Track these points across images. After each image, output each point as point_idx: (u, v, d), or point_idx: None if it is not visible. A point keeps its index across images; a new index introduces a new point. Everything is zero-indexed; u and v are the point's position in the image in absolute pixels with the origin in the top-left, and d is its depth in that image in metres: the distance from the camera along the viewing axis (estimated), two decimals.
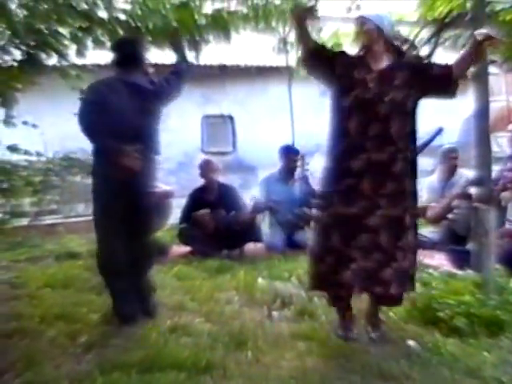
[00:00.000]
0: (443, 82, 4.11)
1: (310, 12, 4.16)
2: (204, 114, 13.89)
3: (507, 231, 5.88)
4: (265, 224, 7.90)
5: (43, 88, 7.02)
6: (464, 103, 12.76)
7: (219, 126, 14.17)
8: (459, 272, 5.32)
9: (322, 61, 4.25)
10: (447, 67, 4.09)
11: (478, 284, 4.48)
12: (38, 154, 6.40)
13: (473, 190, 5.11)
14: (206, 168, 7.75)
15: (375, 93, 4.02)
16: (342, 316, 4.32)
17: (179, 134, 12.92)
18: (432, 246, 7.03)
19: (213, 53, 11.60)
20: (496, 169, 6.25)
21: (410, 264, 4.10)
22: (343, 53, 4.35)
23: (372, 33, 4.08)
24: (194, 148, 13.30)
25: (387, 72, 4.09)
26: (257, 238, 7.58)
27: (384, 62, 4.12)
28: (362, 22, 4.14)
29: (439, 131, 7.33)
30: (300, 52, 4.45)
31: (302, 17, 4.13)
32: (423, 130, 7.54)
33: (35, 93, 7.10)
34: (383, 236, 3.99)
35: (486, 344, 3.90)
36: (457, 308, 4.19)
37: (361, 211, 4.01)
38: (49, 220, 9.05)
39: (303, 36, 4.21)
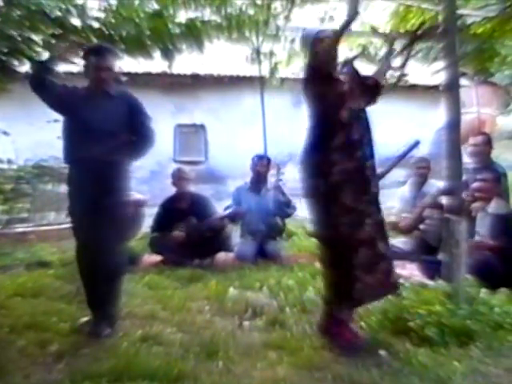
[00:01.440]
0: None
1: None
2: (176, 123, 13.88)
3: (477, 244, 5.93)
4: (236, 234, 7.88)
5: (15, 95, 6.98)
6: (435, 115, 12.96)
7: (191, 135, 14.18)
8: (430, 282, 5.36)
9: None
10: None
11: (449, 294, 4.51)
12: (9, 162, 6.34)
13: (444, 200, 5.15)
14: (178, 177, 7.73)
15: None
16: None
17: None
18: (403, 256, 7.06)
19: (185, 62, 11.63)
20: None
21: None
22: None
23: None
24: (166, 157, 13.28)
25: None
26: (228, 248, 7.57)
27: None
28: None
29: (416, 144, 7.35)
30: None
31: None
32: (395, 142, 7.65)
33: (6, 100, 7.06)
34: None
35: (456, 354, 3.93)
36: (427, 318, 4.22)
37: None
38: (19, 228, 8.95)
39: None
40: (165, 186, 8.09)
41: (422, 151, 8.54)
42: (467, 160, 7.02)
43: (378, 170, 7.39)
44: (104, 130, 4.47)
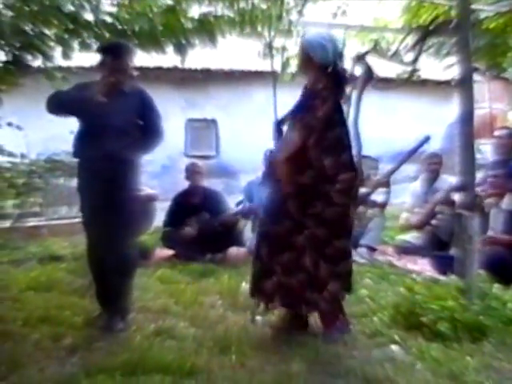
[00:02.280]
0: None
1: None
2: (187, 117, 13.89)
3: (490, 238, 5.92)
4: (248, 229, 7.89)
5: (27, 89, 7.00)
6: (446, 110, 12.94)
7: (202, 130, 14.17)
8: (442, 278, 5.36)
9: None
10: None
11: (461, 289, 4.49)
12: (23, 156, 6.37)
13: (456, 196, 5.14)
14: (192, 171, 7.75)
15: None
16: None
17: None
18: (415, 251, 7.08)
19: (196, 57, 11.63)
20: (478, 175, 6.30)
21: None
22: None
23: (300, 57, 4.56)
24: (177, 152, 13.28)
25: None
26: (240, 243, 7.58)
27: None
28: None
29: (426, 139, 7.35)
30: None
31: None
32: (406, 137, 7.64)
33: (19, 94, 7.09)
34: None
35: (468, 349, 3.91)
36: (440, 313, 4.21)
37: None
38: (32, 222, 8.99)
39: None
40: (176, 180, 8.13)
41: (433, 146, 8.53)
42: (478, 156, 7.00)
43: (390, 166, 7.43)
44: (116, 126, 4.48)
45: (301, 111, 4.32)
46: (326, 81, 4.33)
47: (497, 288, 4.68)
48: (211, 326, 4.56)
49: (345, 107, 4.73)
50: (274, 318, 4.71)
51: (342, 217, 4.34)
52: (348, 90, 7.02)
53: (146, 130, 4.72)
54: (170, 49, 6.21)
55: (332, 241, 4.29)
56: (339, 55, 4.46)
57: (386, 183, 7.41)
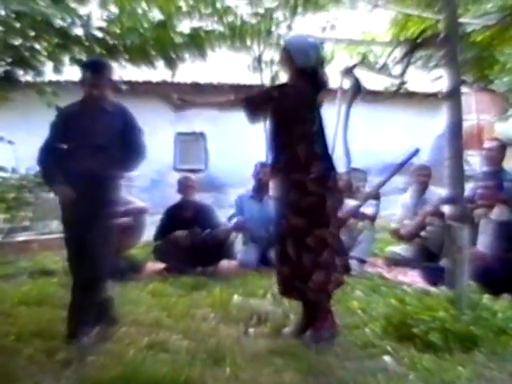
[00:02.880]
0: None
1: None
2: (176, 131, 13.91)
3: (478, 253, 5.97)
4: (239, 241, 7.91)
5: (17, 104, 7.01)
6: (434, 122, 13.01)
7: (191, 143, 14.19)
8: (432, 289, 5.40)
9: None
10: None
11: (452, 300, 4.53)
12: (13, 171, 6.37)
13: (445, 208, 5.18)
14: (185, 185, 7.77)
15: None
16: None
17: (151, 151, 12.79)
18: (405, 263, 7.12)
19: (185, 70, 11.66)
20: (467, 186, 6.36)
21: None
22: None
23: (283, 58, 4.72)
24: (166, 166, 13.31)
25: None
26: (231, 255, 7.60)
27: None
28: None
29: (415, 152, 7.43)
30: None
31: None
32: (394, 149, 7.70)
33: (7, 109, 7.09)
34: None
35: (460, 359, 3.93)
36: (431, 324, 4.24)
37: None
38: (22, 237, 8.96)
39: None
40: (165, 194, 8.15)
41: (421, 158, 8.59)
42: (466, 167, 7.06)
43: (378, 178, 7.48)
44: (97, 144, 4.53)
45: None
46: (304, 81, 4.49)
47: (487, 298, 4.73)
48: (204, 338, 4.55)
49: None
50: (267, 329, 4.73)
51: (318, 206, 4.44)
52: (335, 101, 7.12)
53: (128, 147, 4.73)
54: (159, 63, 6.25)
55: (312, 230, 4.41)
56: (320, 61, 4.65)
57: (375, 195, 7.46)
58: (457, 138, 4.87)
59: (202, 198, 8.68)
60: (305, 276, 4.39)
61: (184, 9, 5.80)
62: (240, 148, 12.60)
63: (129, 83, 7.46)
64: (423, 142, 12.75)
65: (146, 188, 12.31)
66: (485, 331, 4.22)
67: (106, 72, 4.72)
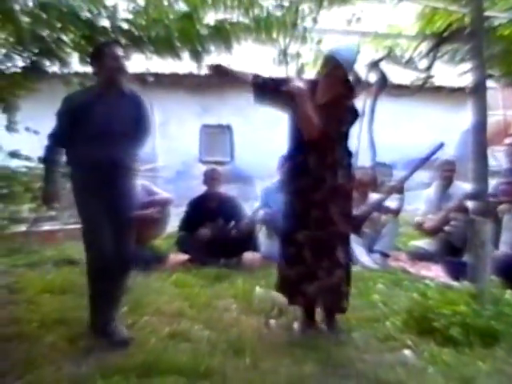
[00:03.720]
0: None
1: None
2: (202, 123, 13.94)
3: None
4: (263, 234, 7.92)
5: (43, 95, 7.07)
6: (461, 117, 12.91)
7: (217, 135, 14.19)
8: (455, 283, 5.37)
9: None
10: None
11: (474, 295, 4.51)
12: (40, 160, 6.42)
13: (469, 204, 5.15)
14: (211, 177, 7.78)
15: None
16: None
17: (178, 142, 12.97)
18: (429, 257, 7.08)
19: (212, 62, 11.65)
20: (493, 182, 6.32)
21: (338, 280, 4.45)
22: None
23: (339, 77, 4.45)
24: (192, 157, 13.33)
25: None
26: (255, 248, 7.61)
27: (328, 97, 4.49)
28: (333, 65, 4.42)
29: (440, 146, 7.37)
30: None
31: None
32: (421, 144, 7.66)
33: (36, 99, 7.15)
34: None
35: (480, 354, 3.92)
36: (452, 318, 4.23)
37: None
38: (47, 226, 9.03)
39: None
40: (191, 186, 8.15)
41: (447, 153, 8.52)
42: (493, 163, 7.00)
43: (403, 173, 7.45)
44: (117, 131, 4.41)
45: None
46: (347, 91, 4.53)
47: (509, 294, 4.69)
48: (225, 328, 4.59)
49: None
50: (287, 321, 4.76)
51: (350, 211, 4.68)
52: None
53: (138, 134, 4.65)
54: (185, 55, 6.25)
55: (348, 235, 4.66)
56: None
57: (399, 189, 7.41)
58: (481, 133, 4.84)
59: (227, 189, 8.69)
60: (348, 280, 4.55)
61: (209, 1, 5.77)
62: (266, 141, 12.58)
63: (155, 75, 7.48)
64: (450, 137, 12.65)
65: (172, 179, 12.36)
66: (506, 327, 4.20)
67: (122, 52, 4.54)
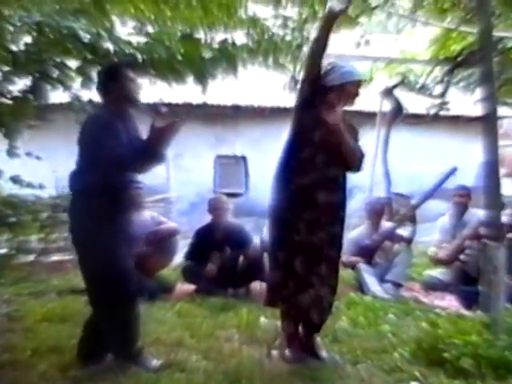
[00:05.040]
0: None
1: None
2: (217, 154, 13.89)
3: None
4: None
5: (55, 125, 7.02)
6: (479, 147, 12.72)
7: (232, 166, 14.16)
8: (467, 313, 5.18)
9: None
10: None
11: (487, 324, 4.32)
12: (41, 187, 6.30)
13: (484, 231, 4.97)
14: (214, 206, 7.62)
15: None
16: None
17: (192, 173, 12.93)
18: (443, 287, 6.88)
19: (226, 93, 11.63)
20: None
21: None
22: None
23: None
24: (206, 189, 13.25)
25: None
26: (262, 277, 7.41)
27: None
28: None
29: (453, 171, 7.23)
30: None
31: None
32: (438, 175, 7.48)
33: (47, 130, 7.10)
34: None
35: None
36: (463, 348, 4.04)
37: None
38: (56, 257, 8.94)
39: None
40: (205, 218, 7.98)
41: (464, 182, 8.30)
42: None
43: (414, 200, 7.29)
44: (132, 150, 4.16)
45: None
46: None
47: None
48: (224, 359, 4.43)
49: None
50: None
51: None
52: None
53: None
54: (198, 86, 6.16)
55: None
56: None
57: (411, 217, 7.26)
58: (493, 163, 4.65)
59: (242, 222, 8.53)
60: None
61: (209, 20, 5.65)
62: None
63: (169, 105, 7.40)
64: (468, 168, 12.47)
65: (186, 211, 12.27)
66: None
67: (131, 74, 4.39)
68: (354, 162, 4.33)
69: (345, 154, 4.27)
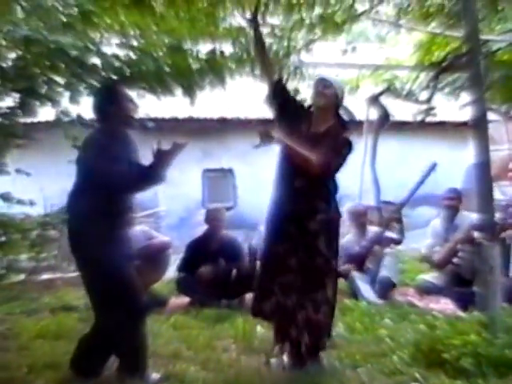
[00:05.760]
0: None
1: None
2: (204, 168, 13.88)
3: None
4: None
5: (43, 144, 6.98)
6: (465, 152, 12.79)
7: (219, 180, 14.15)
8: (463, 314, 5.18)
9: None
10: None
11: (484, 324, 4.31)
12: (31, 203, 6.25)
13: (476, 234, 4.98)
14: (214, 216, 7.61)
15: None
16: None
17: (180, 188, 12.88)
18: (437, 290, 6.87)
19: (213, 106, 11.62)
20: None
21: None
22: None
23: (330, 98, 4.46)
24: (194, 203, 13.23)
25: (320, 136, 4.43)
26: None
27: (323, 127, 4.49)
28: (324, 84, 4.47)
29: (433, 166, 7.29)
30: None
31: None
32: (428, 181, 7.51)
33: (35, 149, 7.05)
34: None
35: None
36: (463, 348, 4.04)
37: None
38: (46, 275, 8.87)
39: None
40: (194, 232, 7.97)
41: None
42: (500, 197, 6.86)
43: (411, 211, 7.31)
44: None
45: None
46: (339, 124, 4.53)
47: None
48: (223, 369, 4.42)
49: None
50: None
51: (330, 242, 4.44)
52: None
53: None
54: (185, 100, 6.14)
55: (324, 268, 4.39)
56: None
57: (397, 219, 7.32)
58: (485, 168, 4.66)
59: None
60: (316, 309, 4.35)
61: (196, 31, 5.62)
62: (269, 184, 12.47)
63: (155, 120, 7.40)
64: (456, 173, 12.54)
65: (175, 226, 12.24)
66: None
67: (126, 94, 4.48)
68: (309, 171, 4.29)
69: (296, 165, 4.36)
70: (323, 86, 4.45)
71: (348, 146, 4.41)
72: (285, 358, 4.51)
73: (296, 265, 4.32)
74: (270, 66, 5.00)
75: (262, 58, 4.95)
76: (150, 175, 4.14)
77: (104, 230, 4.03)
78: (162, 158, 4.09)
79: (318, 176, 4.31)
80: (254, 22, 4.93)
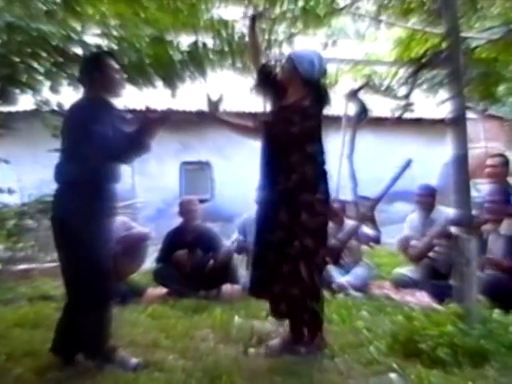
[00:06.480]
0: None
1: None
2: (182, 160, 13.87)
3: (490, 260, 5.87)
4: (242, 265, 7.73)
5: (20, 134, 6.93)
6: (442, 149, 12.89)
7: (197, 172, 14.15)
8: (440, 307, 5.24)
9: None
10: None
11: (460, 315, 4.37)
12: (10, 191, 6.23)
13: (453, 229, 5.04)
14: (186, 208, 7.62)
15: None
16: None
17: (157, 180, 12.88)
18: (413, 284, 6.94)
19: (191, 98, 11.60)
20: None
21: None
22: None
23: (287, 71, 4.61)
24: (172, 195, 13.20)
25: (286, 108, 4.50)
26: (234, 280, 7.42)
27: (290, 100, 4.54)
28: (285, 59, 4.71)
29: (408, 163, 7.35)
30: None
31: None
32: (405, 177, 7.56)
33: (12, 139, 7.00)
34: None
35: (470, 374, 3.79)
36: (439, 339, 4.10)
37: None
38: (23, 265, 8.81)
39: None
40: (171, 223, 7.97)
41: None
42: (475, 194, 6.92)
43: (388, 207, 7.35)
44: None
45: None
46: (311, 96, 4.45)
47: (497, 313, 4.58)
48: (201, 357, 4.42)
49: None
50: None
51: (324, 226, 4.50)
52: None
53: None
54: (161, 88, 6.14)
55: (319, 250, 4.43)
56: (323, 72, 4.64)
57: (370, 217, 7.37)
58: (463, 164, 4.72)
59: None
60: (316, 295, 4.44)
61: (180, 23, 5.61)
62: (246, 177, 12.48)
63: (133, 112, 7.38)
64: (432, 170, 12.62)
65: (152, 217, 12.21)
66: (496, 346, 4.08)
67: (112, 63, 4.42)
68: (250, 134, 4.79)
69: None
70: (284, 61, 4.71)
71: (310, 117, 4.43)
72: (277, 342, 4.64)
73: (287, 229, 4.39)
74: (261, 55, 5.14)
75: (256, 49, 5.06)
76: (136, 142, 4.14)
77: (86, 203, 3.99)
78: (148, 126, 4.10)
79: (267, 135, 4.50)
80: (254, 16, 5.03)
